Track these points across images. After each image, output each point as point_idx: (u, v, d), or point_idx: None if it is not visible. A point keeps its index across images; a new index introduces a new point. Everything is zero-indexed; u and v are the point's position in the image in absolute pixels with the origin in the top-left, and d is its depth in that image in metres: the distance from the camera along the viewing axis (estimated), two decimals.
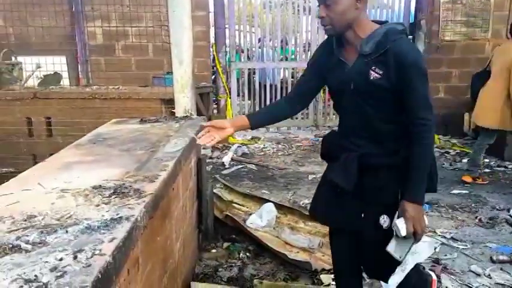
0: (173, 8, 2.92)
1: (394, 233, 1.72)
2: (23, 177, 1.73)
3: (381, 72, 1.69)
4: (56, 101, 4.38)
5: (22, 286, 0.94)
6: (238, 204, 3.66)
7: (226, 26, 6.56)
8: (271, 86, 6.91)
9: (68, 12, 5.15)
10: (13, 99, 4.52)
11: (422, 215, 1.72)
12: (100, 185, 1.60)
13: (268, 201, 3.54)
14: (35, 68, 4.71)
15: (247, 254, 2.90)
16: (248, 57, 6.88)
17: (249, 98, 7.22)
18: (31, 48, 5.13)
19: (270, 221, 3.27)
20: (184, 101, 2.94)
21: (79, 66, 5.37)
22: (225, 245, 3.03)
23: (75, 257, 1.08)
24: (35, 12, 5.00)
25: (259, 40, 7.14)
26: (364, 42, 1.72)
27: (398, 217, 1.71)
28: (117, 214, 1.34)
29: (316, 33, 6.84)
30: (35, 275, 0.98)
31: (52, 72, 5.07)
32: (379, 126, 1.77)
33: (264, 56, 6.92)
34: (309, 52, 6.95)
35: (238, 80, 6.82)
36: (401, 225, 1.68)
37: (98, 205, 1.42)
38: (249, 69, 6.94)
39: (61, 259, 1.07)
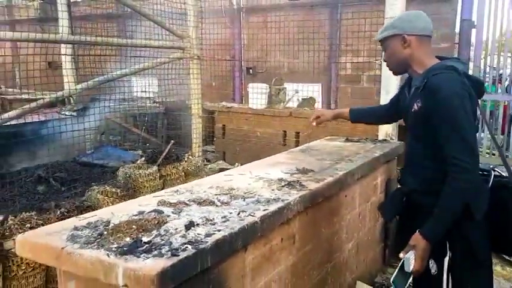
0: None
1: (400, 265, 1.72)
2: (245, 167, 2.50)
3: (419, 105, 1.74)
4: (303, 120, 5.34)
5: (203, 220, 1.61)
6: None
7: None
8: None
9: (328, 48, 6.11)
10: (275, 116, 5.78)
11: (428, 253, 1.70)
12: (282, 178, 2.19)
13: None
14: (293, 93, 5.83)
15: None
16: (506, 90, 6.26)
17: (502, 133, 6.50)
18: (296, 77, 6.34)
19: None
20: (386, 125, 3.23)
21: (331, 93, 6.26)
22: None
23: (238, 214, 1.69)
24: (303, 48, 6.19)
25: None
26: (417, 77, 1.82)
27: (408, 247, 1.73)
28: (278, 197, 1.90)
29: None
30: (212, 218, 1.63)
31: (308, 97, 6.11)
32: (426, 164, 1.80)
33: None
34: None
35: (491, 112, 6.29)
36: (412, 261, 1.68)
37: (273, 190, 2.02)
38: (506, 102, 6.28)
39: (230, 213, 1.69)
